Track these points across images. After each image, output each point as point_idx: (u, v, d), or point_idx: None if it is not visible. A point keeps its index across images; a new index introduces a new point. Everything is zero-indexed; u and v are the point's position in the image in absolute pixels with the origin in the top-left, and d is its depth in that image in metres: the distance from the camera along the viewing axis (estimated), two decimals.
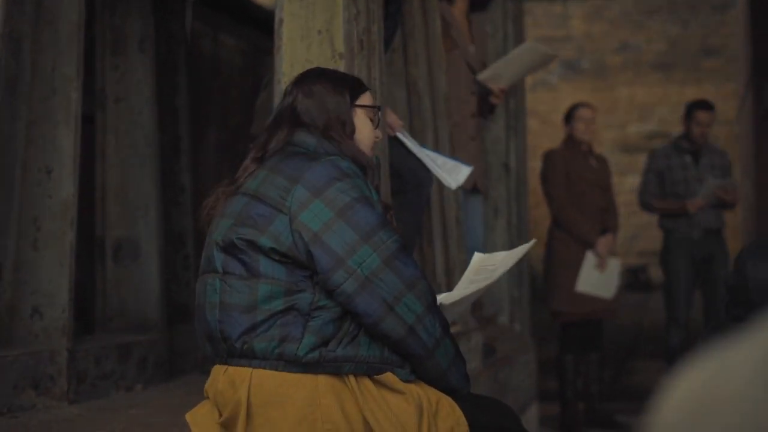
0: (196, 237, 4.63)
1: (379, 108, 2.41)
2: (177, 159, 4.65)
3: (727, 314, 1.98)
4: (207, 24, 7.52)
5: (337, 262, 2.03)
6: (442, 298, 2.29)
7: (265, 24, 6.89)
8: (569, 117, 5.59)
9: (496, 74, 4.39)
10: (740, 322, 1.88)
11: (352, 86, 2.32)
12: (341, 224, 2.05)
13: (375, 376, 2.08)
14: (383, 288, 2.04)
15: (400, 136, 3.46)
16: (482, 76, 4.40)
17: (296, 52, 2.95)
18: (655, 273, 11.49)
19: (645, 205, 6.00)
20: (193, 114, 4.91)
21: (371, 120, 2.33)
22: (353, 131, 2.27)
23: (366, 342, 2.08)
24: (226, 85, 7.91)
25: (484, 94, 4.45)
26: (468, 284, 2.35)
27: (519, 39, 5.89)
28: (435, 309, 2.11)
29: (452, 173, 3.46)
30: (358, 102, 2.31)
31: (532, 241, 2.44)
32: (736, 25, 11.33)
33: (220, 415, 2.10)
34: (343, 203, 2.06)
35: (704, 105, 5.86)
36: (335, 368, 2.05)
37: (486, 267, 2.35)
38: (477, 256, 2.37)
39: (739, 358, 0.74)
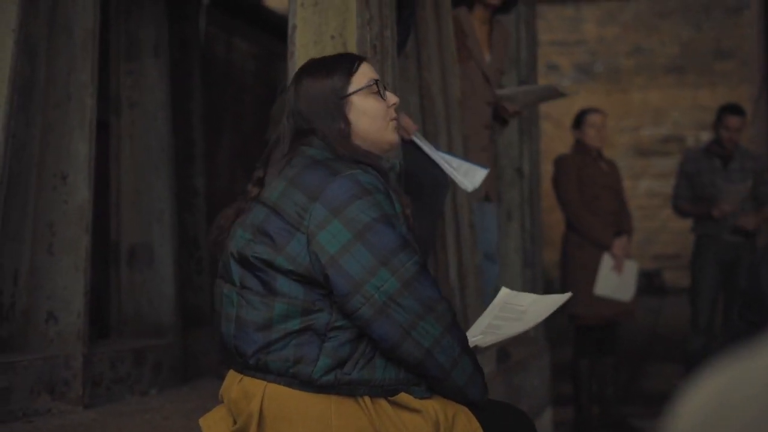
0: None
1: (376, 81, 2.22)
2: (191, 163, 4.67)
3: (741, 319, 1.95)
4: (221, 28, 7.55)
5: (354, 286, 1.98)
6: (476, 341, 2.23)
7: (278, 28, 6.91)
8: (579, 122, 5.57)
9: (514, 96, 4.45)
10: (755, 327, 1.85)
11: (340, 71, 2.18)
12: (359, 247, 1.98)
13: (390, 398, 2.04)
14: (401, 313, 1.99)
15: (415, 139, 3.46)
16: (502, 92, 4.42)
17: (309, 57, 2.94)
18: (670, 277, 11.46)
19: (677, 209, 6.00)
20: (207, 119, 4.93)
21: (375, 94, 2.19)
22: (349, 132, 2.15)
23: (382, 364, 2.03)
24: (240, 89, 7.93)
25: (497, 107, 4.46)
26: (492, 320, 2.28)
27: (532, 43, 5.89)
28: (454, 328, 2.05)
29: (468, 175, 3.44)
30: (353, 83, 2.17)
31: (568, 294, 2.33)
32: (750, 28, 11.28)
33: (234, 423, 2.09)
34: (362, 224, 1.99)
35: (734, 109, 5.83)
36: (350, 390, 2.01)
37: (513, 305, 2.29)
38: (504, 292, 2.29)
39: (754, 365, 0.74)
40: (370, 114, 2.18)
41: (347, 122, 2.16)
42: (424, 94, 3.91)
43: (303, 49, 2.97)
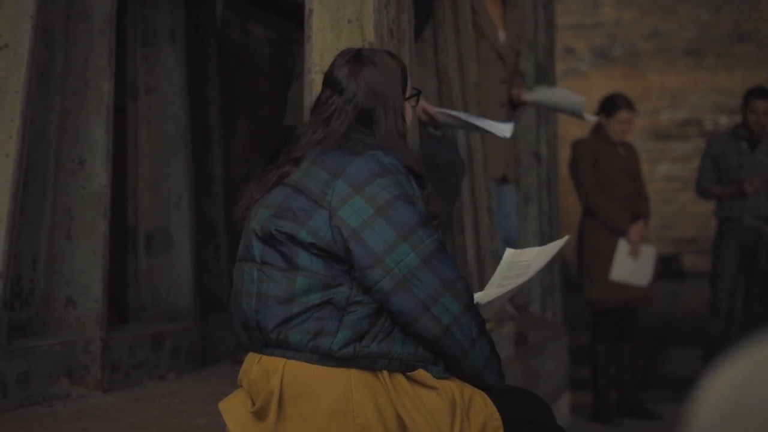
0: (227, 227, 4.66)
1: (419, 91, 2.36)
2: (208, 149, 4.67)
3: (762, 303, 1.91)
4: (236, 13, 7.53)
5: (374, 260, 2.01)
6: (479, 297, 2.26)
7: (293, 13, 6.88)
8: (609, 111, 5.45)
9: (537, 90, 4.43)
10: None
11: (401, 73, 2.25)
12: (380, 222, 2.02)
13: (408, 373, 2.07)
14: (420, 288, 2.02)
15: (442, 115, 3.43)
16: (533, 97, 4.42)
17: (326, 41, 2.94)
18: (688, 261, 11.41)
19: (701, 191, 5.95)
20: (224, 104, 4.93)
21: (411, 102, 2.31)
22: (404, 136, 2.22)
23: (401, 339, 2.06)
24: (255, 74, 7.91)
25: (513, 86, 4.44)
26: (501, 280, 2.32)
27: (550, 26, 5.85)
28: (473, 309, 2.09)
29: (498, 127, 3.42)
30: (408, 90, 2.27)
31: (565, 238, 2.39)
32: None
33: (253, 405, 2.10)
34: (383, 200, 2.03)
35: (761, 93, 5.78)
36: (369, 364, 2.04)
37: (519, 263, 2.31)
38: (509, 252, 2.34)
39: None
40: (409, 120, 2.28)
41: (405, 122, 2.23)
42: (442, 78, 3.89)
43: (320, 32, 2.96)
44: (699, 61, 11.80)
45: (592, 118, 4.50)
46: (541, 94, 4.53)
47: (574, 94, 4.72)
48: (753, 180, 5.62)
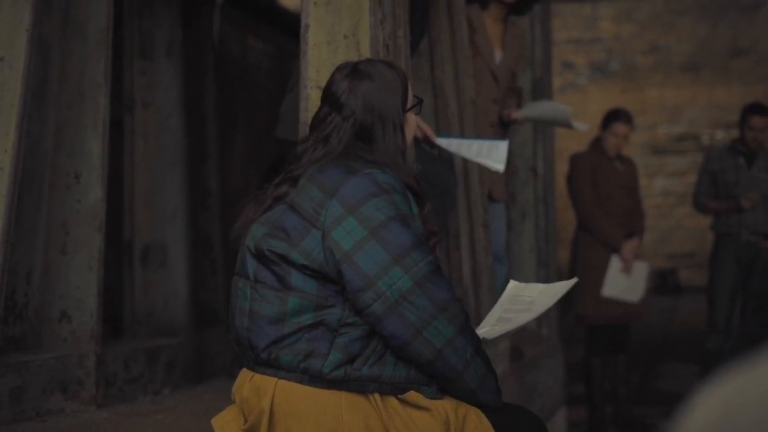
0: (223, 241, 4.65)
1: (421, 100, 2.32)
2: (204, 163, 4.67)
3: (755, 321, 1.88)
4: (235, 27, 7.55)
5: (366, 282, 1.98)
6: (484, 333, 2.23)
7: (291, 27, 6.90)
8: (605, 124, 5.49)
9: (526, 107, 4.45)
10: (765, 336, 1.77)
11: (400, 84, 2.20)
12: (373, 244, 2.00)
13: (399, 396, 2.05)
14: (412, 311, 1.99)
15: (440, 142, 3.44)
16: (524, 114, 4.43)
17: (322, 56, 2.94)
18: (685, 276, 11.40)
19: (698, 206, 5.95)
20: (221, 118, 4.93)
21: (412, 111, 2.26)
22: (405, 147, 2.19)
23: (392, 362, 2.04)
24: (254, 88, 7.93)
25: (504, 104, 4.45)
26: (503, 313, 2.29)
27: (546, 42, 5.86)
28: (467, 329, 2.06)
29: (492, 155, 3.42)
30: (408, 98, 2.22)
31: (574, 280, 2.35)
32: (765, 25, 11.22)
33: (245, 422, 2.09)
34: (377, 221, 2.00)
35: (758, 109, 5.79)
36: (359, 386, 2.02)
37: (522, 297, 2.28)
38: (512, 284, 2.30)
39: (758, 373, 0.73)
40: (413, 130, 2.26)
41: (404, 136, 2.19)
42: (438, 93, 3.90)
43: (316, 48, 2.96)
44: (696, 76, 11.83)
45: (581, 127, 4.50)
46: (529, 110, 4.55)
47: (561, 104, 4.72)
48: (750, 196, 5.62)
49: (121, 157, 4.22)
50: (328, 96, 2.21)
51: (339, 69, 2.25)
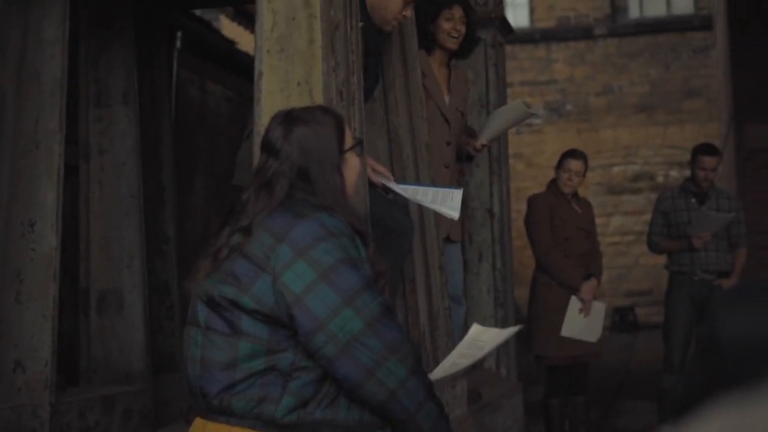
0: (180, 287, 4.64)
1: (361, 140, 2.35)
2: (161, 209, 4.67)
3: (700, 367, 1.80)
4: (194, 72, 7.59)
5: (318, 325, 2.00)
6: (432, 375, 2.26)
7: (251, 72, 6.95)
8: (558, 163, 5.59)
9: (491, 130, 4.51)
10: (711, 377, 1.72)
11: (335, 126, 2.23)
12: (323, 287, 2.01)
13: None
14: (364, 352, 2.00)
15: (392, 186, 3.48)
16: (485, 135, 4.50)
17: (276, 104, 2.97)
18: (642, 313, 11.52)
19: (652, 246, 6.03)
20: (180, 162, 4.95)
21: (356, 153, 2.29)
22: (344, 187, 2.20)
23: (345, 404, 2.05)
24: (214, 132, 7.96)
25: (462, 142, 4.52)
26: (458, 357, 2.32)
27: (501, 85, 5.95)
28: (419, 372, 2.08)
29: (447, 203, 3.46)
30: (347, 140, 2.24)
31: (518, 327, 2.43)
32: (716, 67, 11.47)
33: None
34: (326, 265, 2.02)
35: (708, 149, 5.91)
36: (313, 431, 2.02)
37: (478, 341, 2.32)
38: (475, 328, 2.34)
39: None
40: (355, 172, 2.27)
41: (342, 177, 2.20)
42: (393, 138, 3.94)
43: (269, 95, 2.99)
44: (650, 117, 12.05)
45: (538, 111, 4.60)
46: (488, 130, 4.58)
47: (509, 104, 4.76)
48: (701, 235, 5.71)
49: (77, 203, 4.21)
50: (265, 144, 2.24)
51: (274, 117, 2.28)
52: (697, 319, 5.81)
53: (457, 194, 3.48)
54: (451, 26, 4.42)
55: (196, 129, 7.48)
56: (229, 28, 10.59)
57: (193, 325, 2.13)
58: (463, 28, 4.47)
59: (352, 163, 2.27)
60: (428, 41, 4.41)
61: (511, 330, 2.37)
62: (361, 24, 3.34)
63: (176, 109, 6.57)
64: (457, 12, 4.45)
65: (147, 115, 4.57)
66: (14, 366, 3.33)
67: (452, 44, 4.45)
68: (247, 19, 9.69)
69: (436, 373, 2.28)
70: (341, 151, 2.22)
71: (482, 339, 2.33)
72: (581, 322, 5.42)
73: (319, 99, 2.97)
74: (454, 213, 3.43)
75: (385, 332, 2.03)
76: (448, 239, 4.40)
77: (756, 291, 1.77)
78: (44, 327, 3.36)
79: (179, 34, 6.94)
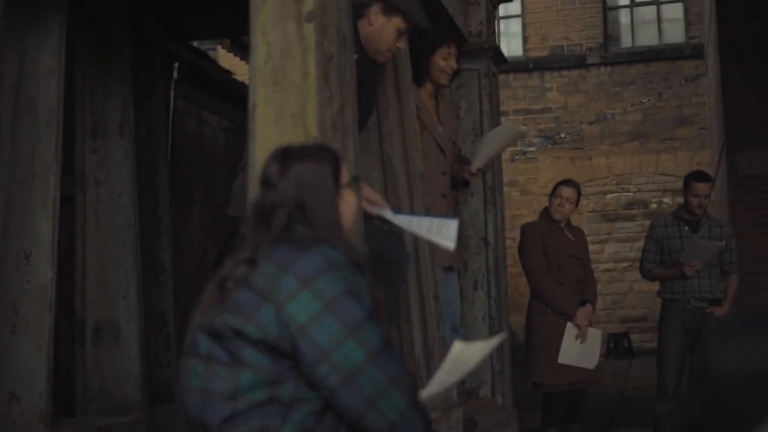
0: (177, 316, 4.65)
1: (357, 178, 2.38)
2: (158, 240, 4.69)
3: (692, 397, 1.78)
4: (191, 102, 7.62)
5: (321, 355, 2.02)
6: (423, 393, 2.27)
7: (247, 102, 6.97)
8: (552, 192, 5.65)
9: (472, 154, 4.54)
10: (704, 411, 1.70)
11: (331, 162, 2.27)
12: (327, 317, 2.03)
13: None
14: (366, 383, 2.03)
15: (386, 215, 3.49)
16: (477, 160, 4.52)
17: (270, 136, 2.99)
18: (637, 339, 11.52)
19: (645, 273, 6.04)
20: (176, 192, 4.97)
21: (353, 190, 2.33)
22: (340, 223, 2.23)
23: None
24: (210, 162, 7.98)
25: (457, 168, 4.55)
26: (446, 375, 2.34)
27: (495, 114, 5.99)
28: (418, 405, 2.10)
29: (442, 233, 3.47)
30: (343, 176, 2.28)
31: (504, 334, 2.43)
32: (708, 95, 11.56)
33: None
34: (330, 296, 2.04)
35: (700, 176, 5.95)
36: None
37: (464, 358, 2.34)
38: (457, 346, 2.35)
39: None
40: (352, 207, 2.31)
41: (338, 211, 2.24)
42: (387, 168, 3.97)
43: (264, 127, 3.01)
44: (643, 144, 12.11)
45: (521, 130, 4.63)
46: (481, 155, 4.61)
47: (500, 127, 4.79)
48: (694, 263, 5.73)
49: (73, 233, 4.23)
50: (263, 179, 2.29)
51: (271, 154, 2.34)
52: (690, 347, 5.82)
53: (452, 224, 3.49)
54: (446, 64, 4.48)
55: (193, 159, 7.50)
56: (225, 58, 10.66)
57: (192, 356, 2.14)
58: (456, 65, 4.53)
59: (349, 199, 2.30)
60: (420, 74, 4.46)
61: (495, 341, 2.37)
62: (355, 56, 3.37)
63: (173, 139, 6.59)
64: (453, 49, 4.51)
65: (143, 146, 4.59)
66: (9, 398, 3.33)
67: (446, 81, 4.53)
68: (244, 50, 9.74)
69: (426, 392, 2.29)
70: (337, 186, 2.26)
71: (468, 353, 2.33)
72: (578, 349, 5.43)
73: (313, 131, 2.99)
74: (450, 243, 3.44)
75: (386, 364, 2.06)
76: (450, 268, 4.43)
77: (748, 323, 1.76)
78: (39, 359, 3.36)
79: (176, 64, 6.98)
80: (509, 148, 11.49)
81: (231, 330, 2.06)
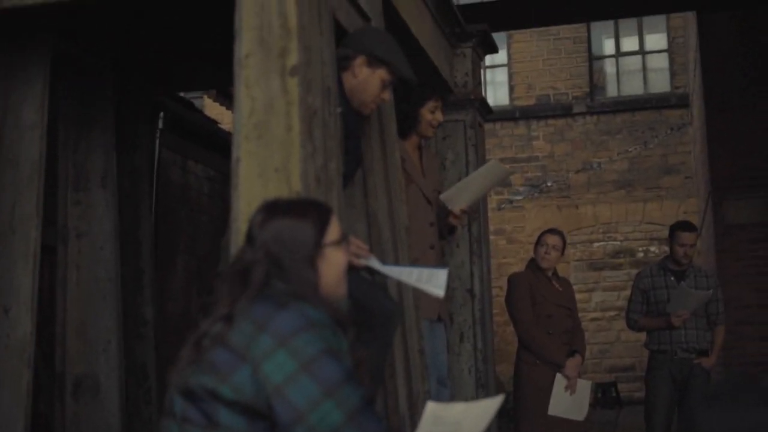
0: (158, 369, 4.59)
1: (346, 236, 2.33)
2: (140, 292, 4.64)
3: None
4: (175, 152, 7.61)
5: (297, 416, 1.98)
6: None
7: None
8: (537, 240, 5.65)
9: (457, 195, 4.50)
10: None
11: (316, 219, 2.23)
12: (304, 378, 1.99)
13: None
14: None
15: (371, 264, 3.45)
16: (443, 196, 4.50)
17: (254, 190, 2.97)
18: (625, 388, 11.46)
19: (631, 324, 6.02)
20: (160, 242, 4.93)
21: (342, 248, 2.27)
22: (318, 282, 2.18)
23: None
24: (195, 211, 7.95)
25: (442, 216, 4.53)
26: None
27: (481, 165, 6.00)
28: None
29: (432, 282, 3.43)
30: (328, 234, 2.23)
31: (500, 397, 2.35)
32: (694, 144, 11.63)
33: None
34: (308, 356, 2.00)
35: (686, 226, 5.96)
36: None
37: (445, 419, 2.28)
38: (430, 406, 2.30)
39: None
40: (337, 267, 2.24)
41: (317, 272, 2.19)
42: (371, 222, 3.94)
43: (247, 181, 2.99)
44: (629, 193, 12.15)
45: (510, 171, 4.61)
46: (464, 194, 4.57)
47: (486, 166, 4.76)
48: (680, 313, 5.71)
49: (54, 285, 4.18)
50: (247, 232, 2.25)
51: (258, 206, 2.30)
52: (678, 398, 5.78)
53: (442, 273, 3.46)
54: (433, 117, 4.49)
55: (177, 208, 7.47)
56: (211, 107, 10.69)
57: (168, 416, 2.10)
58: (442, 117, 4.55)
59: (333, 258, 2.24)
60: (405, 126, 4.45)
61: (494, 401, 2.25)
62: (339, 109, 3.36)
63: (157, 188, 6.56)
64: (439, 102, 4.52)
65: (126, 198, 4.57)
66: None
67: (432, 133, 4.53)
68: (230, 99, 9.78)
69: None
70: (318, 245, 2.21)
71: (448, 415, 2.26)
72: (568, 400, 5.39)
73: (296, 185, 2.97)
74: (440, 291, 3.40)
75: (366, 425, 2.02)
76: (438, 319, 4.40)
77: (734, 389, 1.81)
78: (17, 415, 3.30)
79: (162, 114, 6.98)
80: (496, 197, 11.54)
81: (205, 391, 2.02)
